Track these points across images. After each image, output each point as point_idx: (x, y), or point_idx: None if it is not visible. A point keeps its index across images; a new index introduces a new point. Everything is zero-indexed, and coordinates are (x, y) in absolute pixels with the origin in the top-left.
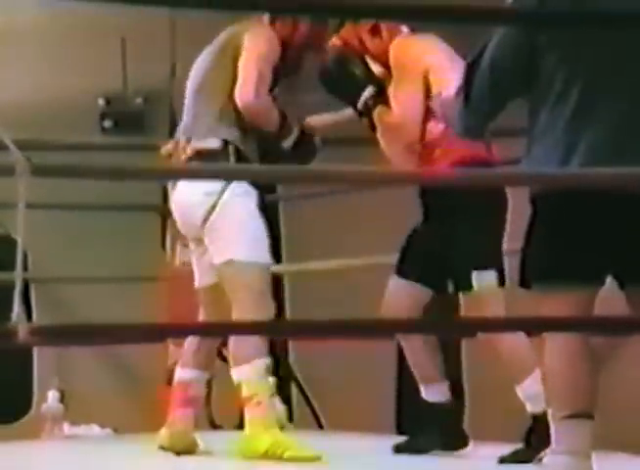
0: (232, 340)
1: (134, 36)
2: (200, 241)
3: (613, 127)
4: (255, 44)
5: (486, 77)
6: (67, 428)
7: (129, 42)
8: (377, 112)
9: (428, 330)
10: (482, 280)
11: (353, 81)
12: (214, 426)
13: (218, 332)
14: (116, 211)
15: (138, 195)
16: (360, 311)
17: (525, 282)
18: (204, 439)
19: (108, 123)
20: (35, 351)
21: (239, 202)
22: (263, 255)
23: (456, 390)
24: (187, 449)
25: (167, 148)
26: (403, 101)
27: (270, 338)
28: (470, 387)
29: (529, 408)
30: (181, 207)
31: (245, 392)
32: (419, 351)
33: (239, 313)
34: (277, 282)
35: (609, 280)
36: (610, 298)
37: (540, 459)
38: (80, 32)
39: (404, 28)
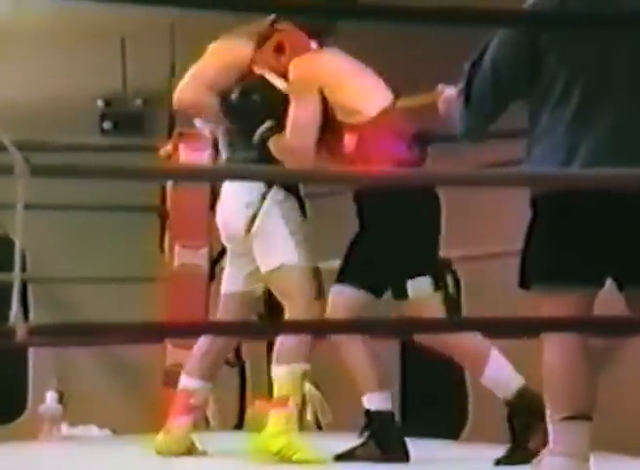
0: (278, 339)
1: (134, 38)
2: (240, 253)
3: (614, 129)
4: (207, 54)
5: (488, 78)
6: (65, 429)
7: (129, 43)
8: (271, 141)
9: (425, 330)
10: (416, 288)
11: (252, 115)
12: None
13: (216, 332)
14: (115, 212)
15: (137, 196)
16: None
17: (524, 283)
18: (201, 439)
19: (107, 124)
20: (31, 351)
21: (279, 209)
22: (309, 257)
23: (459, 390)
24: (183, 454)
25: (167, 149)
26: (297, 120)
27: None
28: (472, 388)
29: (501, 395)
30: (224, 218)
31: (276, 391)
32: (361, 358)
33: (292, 317)
34: None
35: (608, 282)
36: (609, 299)
37: (539, 460)
38: (80, 34)
39: (313, 44)
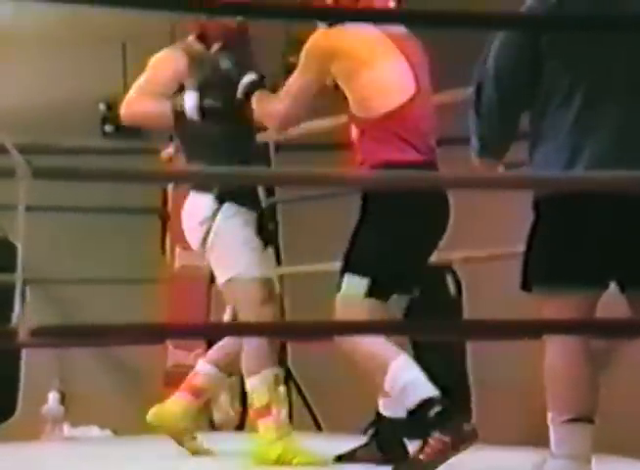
0: (243, 353)
1: (135, 41)
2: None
3: (617, 129)
4: (149, 67)
5: (491, 81)
6: (66, 429)
7: (130, 47)
8: (256, 96)
9: (426, 332)
10: (347, 284)
11: (234, 75)
12: (213, 427)
13: (217, 333)
14: (117, 214)
15: (138, 198)
16: None
17: (526, 285)
18: (204, 440)
19: (109, 128)
20: (24, 353)
21: (229, 225)
22: (258, 268)
23: (462, 393)
24: (174, 435)
25: (168, 151)
26: (290, 89)
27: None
28: (475, 391)
29: (405, 403)
30: (186, 234)
31: (256, 402)
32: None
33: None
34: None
35: (611, 284)
36: (612, 302)
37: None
38: (81, 38)
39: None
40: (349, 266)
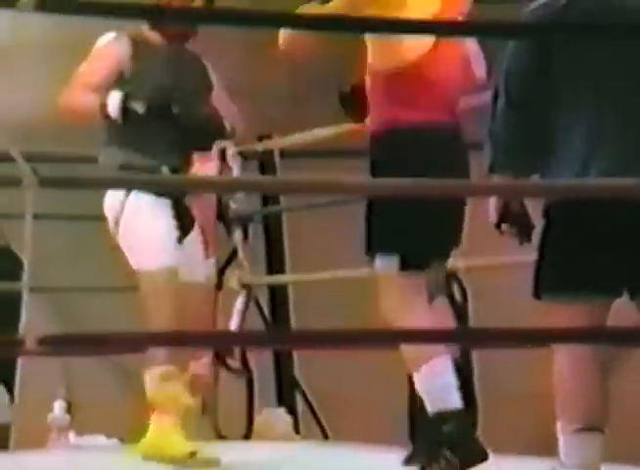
0: None
1: None
2: None
3: (629, 137)
4: (89, 57)
5: (502, 88)
6: (72, 438)
7: None
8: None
9: (431, 340)
10: (378, 265)
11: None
12: (220, 436)
13: (220, 341)
14: None
15: None
16: (365, 321)
17: (537, 292)
18: (208, 448)
19: None
20: (30, 362)
21: (134, 213)
22: (160, 259)
23: (467, 401)
24: (163, 458)
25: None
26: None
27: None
28: (480, 399)
29: (428, 406)
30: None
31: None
32: None
33: (146, 320)
34: (282, 292)
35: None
36: (624, 310)
37: None
38: (84, 46)
39: None
40: (375, 246)
